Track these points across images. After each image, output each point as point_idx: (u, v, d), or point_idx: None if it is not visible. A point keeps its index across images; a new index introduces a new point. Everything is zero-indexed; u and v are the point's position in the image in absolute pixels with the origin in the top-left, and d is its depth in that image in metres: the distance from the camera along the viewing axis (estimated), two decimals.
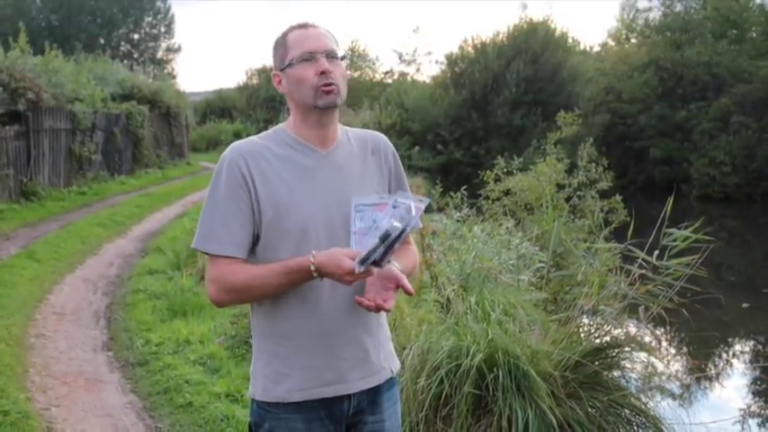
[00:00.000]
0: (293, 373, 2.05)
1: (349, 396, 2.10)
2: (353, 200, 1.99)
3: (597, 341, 4.44)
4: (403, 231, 1.85)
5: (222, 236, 1.99)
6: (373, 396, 2.15)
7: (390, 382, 2.21)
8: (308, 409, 2.06)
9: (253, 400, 2.12)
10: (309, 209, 2.01)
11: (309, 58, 2.03)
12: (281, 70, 2.10)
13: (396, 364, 2.25)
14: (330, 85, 2.03)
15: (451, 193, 8.65)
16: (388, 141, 2.28)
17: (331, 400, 2.07)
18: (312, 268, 1.90)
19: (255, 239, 2.04)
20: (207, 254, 2.03)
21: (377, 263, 1.87)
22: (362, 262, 1.84)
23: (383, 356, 2.18)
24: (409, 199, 1.98)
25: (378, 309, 1.96)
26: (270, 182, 2.01)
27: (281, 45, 2.11)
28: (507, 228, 7.66)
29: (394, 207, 1.97)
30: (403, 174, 2.27)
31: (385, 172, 2.21)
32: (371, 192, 2.09)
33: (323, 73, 2.02)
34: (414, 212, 1.93)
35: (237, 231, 1.99)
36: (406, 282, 1.99)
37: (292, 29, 2.11)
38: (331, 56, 2.06)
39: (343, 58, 2.11)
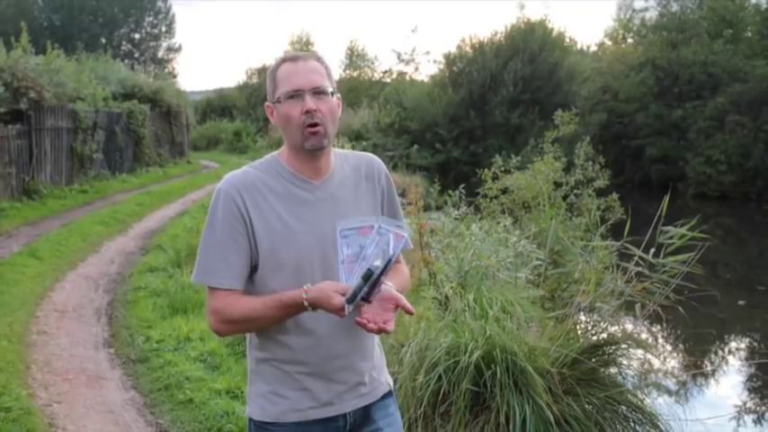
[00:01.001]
0: (290, 395, 2.08)
1: (344, 414, 2.13)
2: (337, 225, 1.99)
3: (594, 338, 4.46)
4: (385, 268, 1.86)
5: (220, 269, 2.02)
6: (366, 410, 2.18)
7: (383, 395, 2.24)
8: (303, 427, 2.09)
9: (250, 420, 2.16)
10: (304, 240, 2.03)
11: (295, 95, 2.02)
12: (273, 104, 2.09)
13: (390, 379, 2.28)
14: (316, 126, 2.01)
15: (450, 192, 8.69)
16: (382, 164, 2.28)
17: (326, 419, 2.11)
18: (305, 304, 1.93)
19: (254, 269, 2.07)
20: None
21: (365, 299, 1.88)
22: (350, 301, 1.87)
23: (375, 374, 2.20)
24: (391, 225, 2.00)
25: (379, 331, 1.95)
26: (265, 215, 2.03)
27: (272, 79, 2.09)
28: (505, 226, 7.68)
29: (379, 234, 1.99)
30: (395, 197, 2.28)
31: (378, 196, 2.21)
32: (363, 216, 2.10)
33: (308, 112, 2.00)
34: (392, 248, 1.95)
35: (235, 264, 2.02)
36: (405, 302, 1.99)
37: (284, 61, 2.09)
38: (318, 92, 2.03)
39: (332, 94, 2.07)
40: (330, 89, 2.06)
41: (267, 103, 2.13)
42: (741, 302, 10.52)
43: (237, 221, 2.02)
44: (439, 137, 27.70)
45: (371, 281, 1.85)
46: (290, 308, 1.96)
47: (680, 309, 4.58)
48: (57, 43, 17.45)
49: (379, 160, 2.28)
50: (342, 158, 2.19)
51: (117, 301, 7.59)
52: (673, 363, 7.53)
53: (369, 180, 2.20)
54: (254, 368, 2.16)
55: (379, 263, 1.87)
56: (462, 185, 8.82)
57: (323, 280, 1.98)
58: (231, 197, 2.03)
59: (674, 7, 30.27)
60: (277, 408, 2.08)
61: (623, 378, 4.41)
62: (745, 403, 7.00)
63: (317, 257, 2.03)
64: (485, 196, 9.89)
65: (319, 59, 2.10)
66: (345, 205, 2.10)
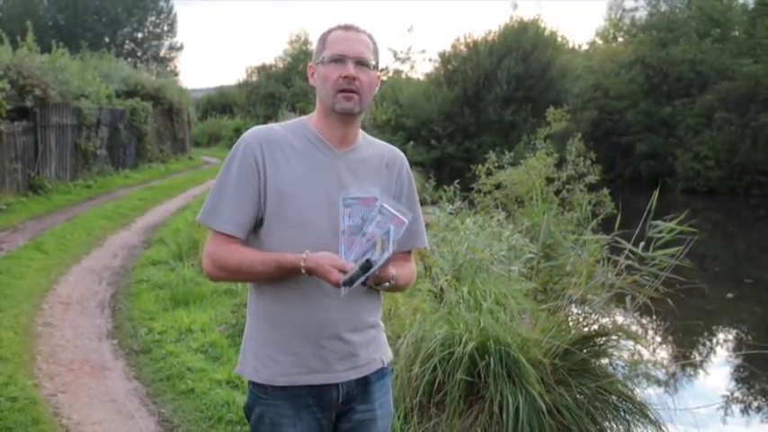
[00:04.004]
0: (282, 359, 2.08)
1: (337, 385, 2.12)
2: (341, 193, 2.00)
3: (585, 330, 4.52)
4: (386, 261, 1.90)
5: (226, 214, 2.04)
6: (364, 386, 2.17)
7: (381, 372, 2.23)
8: (296, 397, 2.09)
9: (249, 382, 2.16)
10: (313, 202, 2.04)
11: (339, 59, 2.06)
12: (316, 64, 2.14)
13: (387, 354, 2.27)
14: (351, 92, 2.06)
15: (444, 187, 8.79)
16: (405, 158, 2.30)
17: (319, 388, 2.10)
18: (303, 271, 1.97)
19: (259, 223, 2.08)
20: (208, 228, 2.10)
21: (363, 283, 1.93)
22: (347, 284, 1.90)
23: (372, 350, 2.19)
24: (394, 209, 2.00)
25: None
26: (280, 170, 2.05)
27: (322, 40, 2.14)
28: (498, 220, 7.78)
29: (381, 213, 1.99)
30: (415, 196, 2.29)
31: (395, 189, 2.21)
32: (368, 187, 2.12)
33: (346, 77, 2.05)
34: (391, 238, 1.96)
35: (241, 212, 2.04)
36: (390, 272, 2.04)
37: (337, 27, 2.13)
38: (361, 63, 2.07)
39: (375, 68, 2.12)
40: (372, 62, 2.11)
41: (310, 64, 2.18)
42: (729, 295, 10.63)
43: (252, 172, 2.04)
44: (434, 133, 27.81)
45: (370, 273, 1.88)
46: (287, 271, 2.00)
47: (669, 301, 4.67)
48: (61, 42, 17.60)
49: (402, 154, 2.31)
50: (368, 141, 2.25)
51: (120, 294, 7.60)
52: (662, 354, 7.57)
53: (389, 169, 2.23)
54: (250, 324, 2.18)
55: (376, 257, 1.90)
56: (457, 181, 8.90)
57: (327, 243, 2.01)
58: (251, 148, 2.06)
59: (664, 7, 30.52)
60: (269, 370, 2.10)
61: (614, 368, 4.47)
62: (732, 393, 7.10)
63: (326, 221, 2.04)
64: (479, 191, 9.99)
65: (370, 36, 2.15)
66: (361, 180, 2.12)
